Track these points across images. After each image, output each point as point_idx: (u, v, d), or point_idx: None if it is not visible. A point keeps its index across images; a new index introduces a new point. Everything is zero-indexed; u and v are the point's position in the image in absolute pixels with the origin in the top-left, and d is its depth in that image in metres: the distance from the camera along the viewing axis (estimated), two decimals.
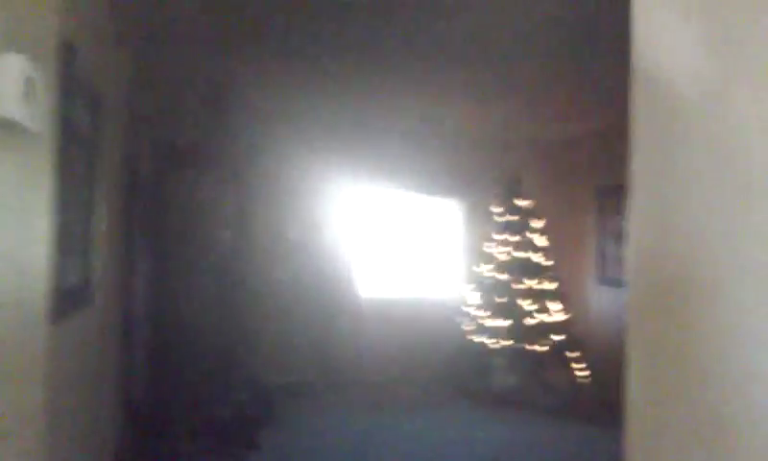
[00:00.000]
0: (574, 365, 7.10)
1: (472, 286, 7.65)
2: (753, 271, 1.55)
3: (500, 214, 7.57)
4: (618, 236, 6.83)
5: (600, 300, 7.54)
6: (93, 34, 2.70)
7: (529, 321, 7.09)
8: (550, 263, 7.44)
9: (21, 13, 1.39)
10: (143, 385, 5.29)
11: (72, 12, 2.01)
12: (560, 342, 7.08)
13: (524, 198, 7.57)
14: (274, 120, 7.13)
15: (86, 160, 2.56)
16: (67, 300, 2.14)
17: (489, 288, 7.40)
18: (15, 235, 1.40)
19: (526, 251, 7.39)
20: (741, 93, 1.61)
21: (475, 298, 7.53)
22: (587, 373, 7.09)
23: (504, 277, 7.32)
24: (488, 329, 7.21)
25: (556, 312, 7.23)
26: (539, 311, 7.16)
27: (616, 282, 6.91)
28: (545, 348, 7.01)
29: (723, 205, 1.68)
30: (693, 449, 1.81)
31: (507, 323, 7.09)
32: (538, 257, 7.40)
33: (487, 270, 7.49)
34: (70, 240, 2.16)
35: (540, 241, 7.49)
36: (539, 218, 7.55)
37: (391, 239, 8.39)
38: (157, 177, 5.50)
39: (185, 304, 5.45)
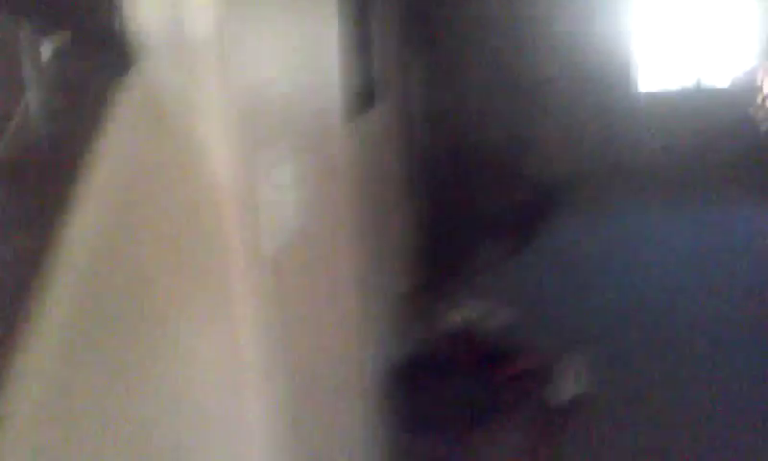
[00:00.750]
0: None
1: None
2: None
3: None
4: None
5: None
6: None
7: None
8: None
9: None
10: (425, 187, 5.72)
11: None
12: None
13: None
14: None
15: None
16: (357, 101, 2.40)
17: None
18: (314, 46, 1.56)
19: None
20: None
21: None
22: None
23: None
24: None
25: None
26: None
27: None
28: None
29: None
30: None
31: None
32: None
33: None
34: (355, 47, 2.38)
35: None
36: None
37: (672, 22, 7.55)
38: None
39: (464, 103, 5.66)
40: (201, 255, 0.91)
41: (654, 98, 7.54)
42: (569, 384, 2.82)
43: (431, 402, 2.80)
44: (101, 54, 0.81)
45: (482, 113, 5.75)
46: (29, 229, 0.68)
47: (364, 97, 2.75)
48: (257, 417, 1.01)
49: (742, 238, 5.22)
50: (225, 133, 0.89)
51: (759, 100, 6.78)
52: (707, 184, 7.00)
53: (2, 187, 0.72)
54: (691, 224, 5.71)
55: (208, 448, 0.97)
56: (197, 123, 0.87)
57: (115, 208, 0.78)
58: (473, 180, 5.65)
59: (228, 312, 0.94)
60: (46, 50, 0.75)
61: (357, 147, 2.41)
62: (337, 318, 1.71)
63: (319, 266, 1.52)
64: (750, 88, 7.07)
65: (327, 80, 1.70)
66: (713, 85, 7.56)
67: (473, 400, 2.80)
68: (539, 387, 2.81)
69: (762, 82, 6.83)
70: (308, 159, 1.37)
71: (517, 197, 5.72)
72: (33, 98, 0.73)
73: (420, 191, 5.39)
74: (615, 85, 7.47)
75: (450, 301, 3.70)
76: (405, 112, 4.69)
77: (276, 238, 1.08)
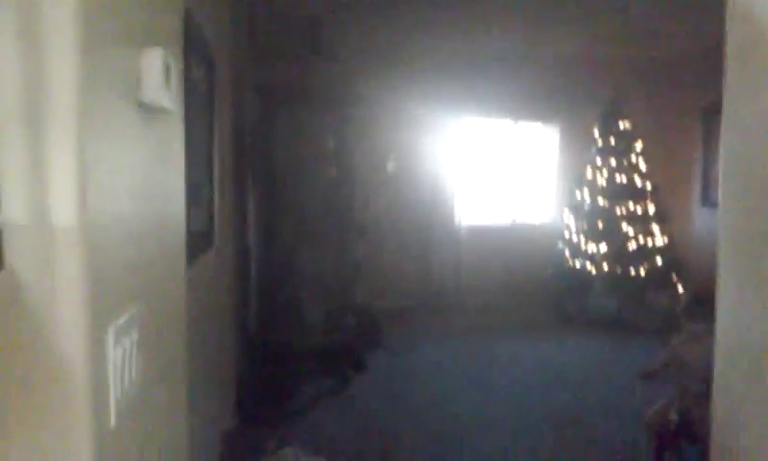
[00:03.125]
0: (674, 288, 7.03)
1: (573, 212, 7.63)
2: None
3: (602, 137, 7.43)
4: None
5: (703, 222, 7.35)
6: None
7: (629, 245, 7.04)
8: (652, 186, 7.29)
9: (156, 3, 1.55)
10: (258, 316, 5.73)
11: None
12: (660, 265, 7.01)
13: (626, 120, 7.38)
14: (373, 55, 7.25)
15: (205, 115, 2.83)
16: (198, 244, 2.44)
17: (589, 213, 7.37)
18: (161, 196, 1.60)
19: (628, 174, 7.27)
20: None
21: (575, 223, 7.52)
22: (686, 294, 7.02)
23: (605, 201, 7.25)
24: (587, 254, 7.23)
25: (657, 236, 7.13)
26: (640, 235, 7.09)
27: None
28: (645, 271, 6.97)
29: None
30: None
31: (606, 247, 7.08)
32: (640, 181, 7.26)
33: (587, 194, 7.44)
34: (197, 192, 2.44)
35: (643, 164, 7.33)
36: (641, 140, 7.36)
37: (491, 166, 8.43)
38: (264, 120, 5.77)
39: (294, 238, 5.80)
40: (44, 431, 0.90)
41: (473, 232, 8.20)
42: None
43: None
44: None
45: (312, 246, 5.91)
46: None
47: (204, 239, 2.78)
48: None
49: (551, 366, 5.69)
50: (77, 311, 0.90)
51: (567, 236, 7.62)
52: (519, 314, 7.64)
53: None
54: (506, 352, 6.13)
55: None
56: (50, 304, 0.88)
57: None
58: (302, 313, 5.74)
59: None
60: None
61: (193, 286, 2.42)
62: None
63: (156, 427, 1.50)
64: (559, 226, 7.95)
65: (174, 229, 1.75)
66: (527, 222, 8.44)
67: None
68: None
69: (566, 218, 7.70)
70: (152, 313, 1.38)
71: (343, 329, 5.89)
72: None
73: (250, 326, 5.37)
74: (439, 220, 8.06)
75: (277, 438, 3.66)
76: (240, 247, 4.74)
77: (119, 404, 1.08)
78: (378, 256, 7.52)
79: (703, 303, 2.92)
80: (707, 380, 2.58)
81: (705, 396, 2.64)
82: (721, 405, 2.20)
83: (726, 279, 2.21)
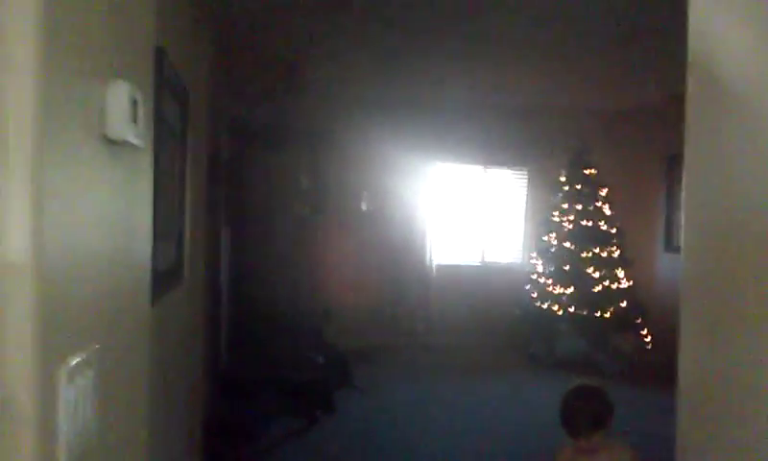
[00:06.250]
0: (638, 331, 7.11)
1: (540, 254, 7.72)
2: None
3: (568, 183, 7.57)
4: None
5: (666, 267, 7.48)
6: (177, 29, 2.89)
7: (595, 288, 7.12)
8: (617, 231, 7.41)
9: (125, 38, 1.54)
10: (227, 354, 5.63)
11: (161, 14, 2.19)
12: (625, 308, 7.09)
13: (592, 167, 7.54)
14: (346, 98, 7.32)
15: (177, 152, 2.80)
16: (165, 282, 2.39)
17: (556, 256, 7.45)
18: (125, 232, 1.57)
19: (593, 219, 7.39)
20: None
21: (542, 266, 7.60)
22: (649, 338, 7.10)
23: (571, 245, 7.35)
24: (554, 296, 7.28)
25: (622, 279, 7.23)
26: (605, 278, 7.17)
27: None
28: (610, 314, 7.04)
29: None
30: (744, 417, 1.89)
31: (573, 290, 7.14)
32: (605, 226, 7.38)
33: (554, 238, 7.53)
34: (166, 228, 2.41)
35: (608, 210, 7.46)
36: (606, 187, 7.51)
37: (461, 210, 8.50)
38: (238, 157, 5.76)
39: (265, 278, 5.75)
40: None
41: (444, 271, 8.23)
42: None
43: None
44: None
45: (283, 284, 5.87)
46: None
47: (173, 276, 2.73)
48: None
49: (519, 407, 5.67)
50: (26, 350, 0.87)
51: (534, 278, 7.71)
52: (488, 354, 7.63)
53: None
54: (474, 392, 6.11)
55: None
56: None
57: None
58: (271, 352, 5.67)
59: None
60: None
61: (158, 324, 2.38)
62: None
63: None
64: (527, 268, 8.05)
65: (138, 265, 1.71)
66: (497, 262, 8.50)
67: None
68: None
69: (534, 261, 7.81)
70: (111, 352, 1.34)
71: (313, 369, 5.82)
72: None
73: (219, 364, 5.28)
74: (410, 261, 8.08)
75: None
76: (211, 286, 4.67)
77: (71, 447, 1.03)
78: (349, 296, 7.49)
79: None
80: None
81: None
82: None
83: (687, 324, 2.23)
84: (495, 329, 8.04)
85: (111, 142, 1.32)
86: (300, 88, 6.14)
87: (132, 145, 1.44)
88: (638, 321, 7.14)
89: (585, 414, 2.60)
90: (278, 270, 5.79)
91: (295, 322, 5.86)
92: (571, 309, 7.10)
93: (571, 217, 7.42)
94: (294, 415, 5.14)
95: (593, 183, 7.48)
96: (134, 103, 1.38)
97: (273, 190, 5.85)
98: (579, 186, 7.45)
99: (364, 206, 7.79)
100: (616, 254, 7.31)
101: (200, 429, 4.14)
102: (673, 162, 7.15)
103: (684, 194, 2.23)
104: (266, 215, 5.78)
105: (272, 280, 5.75)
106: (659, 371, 6.46)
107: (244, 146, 5.76)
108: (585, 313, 7.04)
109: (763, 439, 1.78)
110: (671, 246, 7.41)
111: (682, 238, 2.25)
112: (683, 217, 2.23)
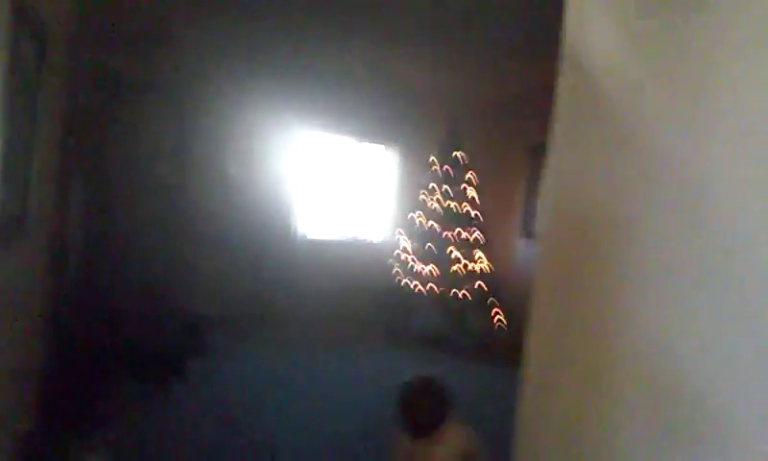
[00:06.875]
0: (492, 311, 7.50)
1: (405, 231, 7.92)
2: (648, 239, 1.77)
3: (438, 164, 7.79)
4: None
5: (522, 251, 7.93)
6: None
7: (455, 268, 7.42)
8: (480, 215, 7.74)
9: None
10: (73, 314, 5.31)
11: None
12: (480, 289, 7.45)
13: (461, 150, 7.80)
14: (218, 57, 7.05)
15: (30, 92, 2.57)
16: (7, 229, 2.20)
17: (419, 234, 7.68)
18: None
19: (459, 201, 7.67)
20: (651, 88, 1.81)
21: (407, 243, 7.81)
22: (502, 318, 7.52)
23: (436, 224, 7.59)
24: (417, 274, 7.51)
25: (480, 260, 7.58)
26: (466, 259, 7.49)
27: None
28: (466, 294, 7.37)
29: (625, 179, 1.89)
30: (583, 394, 2.05)
31: (432, 268, 7.40)
32: (469, 209, 7.69)
33: (419, 216, 7.75)
34: (13, 171, 2.21)
35: (473, 193, 7.77)
36: (474, 171, 7.81)
37: (330, 181, 8.50)
38: (99, 109, 5.40)
39: (119, 236, 5.46)
40: None
41: (312, 245, 8.23)
42: None
43: None
44: None
45: (138, 248, 5.61)
46: None
47: (17, 225, 2.52)
48: None
49: (370, 379, 5.80)
50: None
51: (396, 253, 7.91)
52: (348, 328, 7.75)
53: None
54: (328, 364, 6.18)
55: None
56: None
57: None
58: (121, 315, 5.42)
59: None
60: None
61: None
62: None
63: None
64: (391, 243, 8.24)
65: None
66: (364, 238, 8.61)
67: None
68: None
69: (399, 238, 8.00)
70: None
71: (166, 335, 5.64)
72: None
73: (63, 324, 4.97)
74: (275, 230, 7.99)
75: (83, 444, 3.43)
76: (59, 240, 4.37)
77: None
78: (209, 261, 7.29)
79: None
80: None
81: None
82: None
83: (539, 306, 2.38)
84: (359, 305, 8.17)
85: None
86: (170, 43, 5.84)
87: None
88: (492, 301, 7.52)
89: (423, 418, 2.65)
90: (134, 231, 5.52)
91: (149, 287, 5.62)
92: (428, 287, 7.36)
93: (437, 197, 7.66)
94: (141, 380, 4.97)
95: (461, 167, 7.74)
96: None
97: (135, 147, 5.54)
98: (447, 168, 7.69)
99: (231, 170, 7.59)
100: (477, 238, 7.65)
101: (37, 386, 3.88)
102: (536, 153, 7.55)
103: (543, 182, 2.37)
104: (125, 172, 5.48)
105: (126, 241, 5.48)
106: (509, 350, 6.89)
107: (108, 98, 5.40)
108: (442, 291, 7.33)
109: (596, 416, 1.94)
110: (527, 232, 7.86)
111: (537, 224, 2.39)
112: (538, 205, 2.37)
